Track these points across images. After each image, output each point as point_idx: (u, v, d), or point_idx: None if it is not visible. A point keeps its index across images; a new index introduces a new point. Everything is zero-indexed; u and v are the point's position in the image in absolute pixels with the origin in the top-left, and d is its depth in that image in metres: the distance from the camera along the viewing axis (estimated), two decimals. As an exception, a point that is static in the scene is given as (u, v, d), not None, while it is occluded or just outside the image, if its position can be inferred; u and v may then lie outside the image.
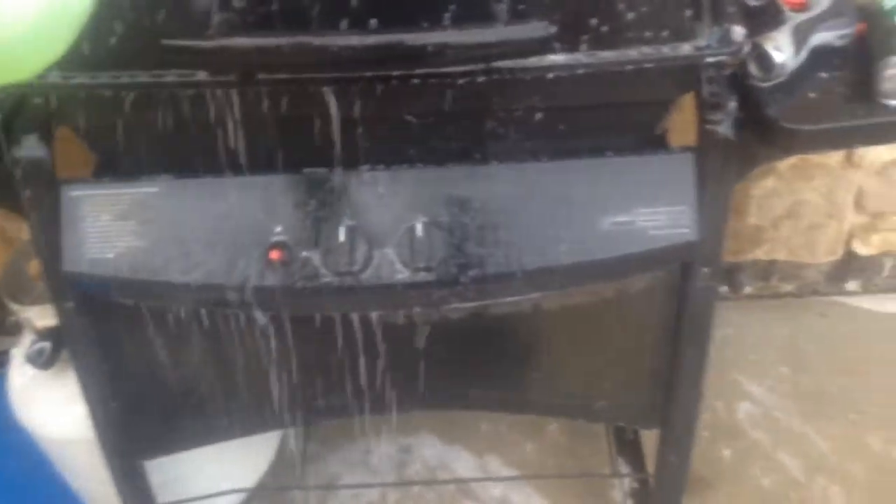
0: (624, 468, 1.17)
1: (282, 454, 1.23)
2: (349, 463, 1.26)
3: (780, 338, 1.43)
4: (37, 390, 1.00)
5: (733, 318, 1.45)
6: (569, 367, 0.91)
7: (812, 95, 0.71)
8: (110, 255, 0.74)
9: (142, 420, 0.89)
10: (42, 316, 0.93)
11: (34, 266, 1.00)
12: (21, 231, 1.34)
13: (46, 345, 0.92)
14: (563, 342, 0.89)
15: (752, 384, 1.35)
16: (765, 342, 1.42)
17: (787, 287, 1.52)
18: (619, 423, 1.10)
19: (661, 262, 0.78)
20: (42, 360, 0.92)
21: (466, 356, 0.88)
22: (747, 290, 1.52)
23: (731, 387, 1.34)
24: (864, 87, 0.69)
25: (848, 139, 0.74)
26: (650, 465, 1.12)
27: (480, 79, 0.64)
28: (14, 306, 0.96)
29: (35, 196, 0.73)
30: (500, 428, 1.30)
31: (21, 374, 1.00)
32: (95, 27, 0.61)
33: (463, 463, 1.26)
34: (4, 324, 1.44)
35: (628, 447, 1.18)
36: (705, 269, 0.78)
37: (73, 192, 0.74)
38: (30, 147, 0.71)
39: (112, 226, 0.74)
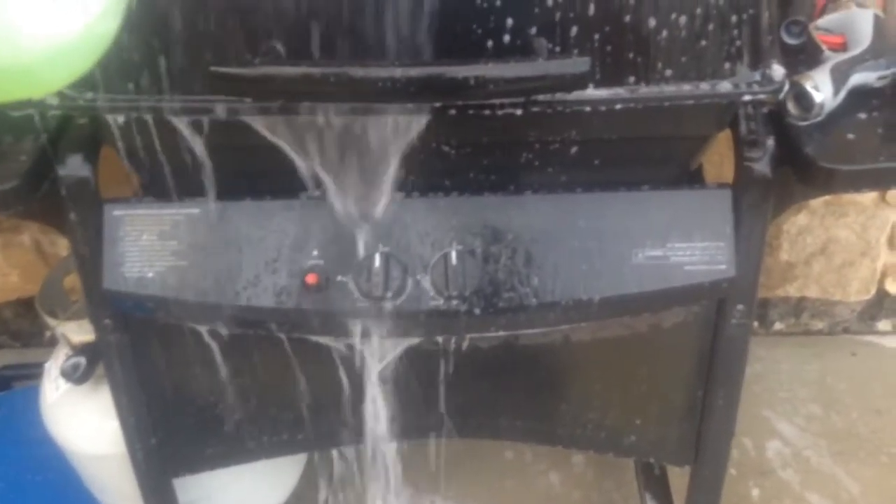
0: (651, 504, 1.16)
1: (307, 477, 1.23)
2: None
3: (811, 375, 1.42)
4: (70, 405, 1.01)
5: (763, 353, 1.44)
6: (599, 400, 0.90)
7: (850, 136, 0.70)
8: (150, 275, 0.75)
9: (174, 437, 0.90)
10: (78, 331, 0.95)
11: (70, 281, 1.02)
12: (56, 246, 1.37)
13: (81, 360, 0.93)
14: (594, 375, 0.89)
15: (781, 422, 1.34)
16: (795, 379, 1.41)
17: (818, 324, 1.50)
18: (649, 459, 1.09)
19: (697, 298, 0.78)
20: (77, 375, 0.93)
21: (496, 386, 0.88)
22: (777, 326, 1.51)
23: (760, 424, 1.33)
24: (903, 129, 0.69)
25: (886, 180, 0.74)
26: (677, 501, 1.10)
27: (520, 112, 0.65)
28: (50, 321, 0.98)
29: (78, 214, 0.75)
30: (525, 458, 1.29)
31: (55, 389, 1.02)
32: (141, 52, 0.63)
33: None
34: (41, 338, 1.47)
35: (655, 482, 1.17)
36: (740, 306, 0.77)
37: (116, 212, 0.75)
38: (74, 166, 0.73)
39: (153, 245, 0.75)
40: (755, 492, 1.24)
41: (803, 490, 1.25)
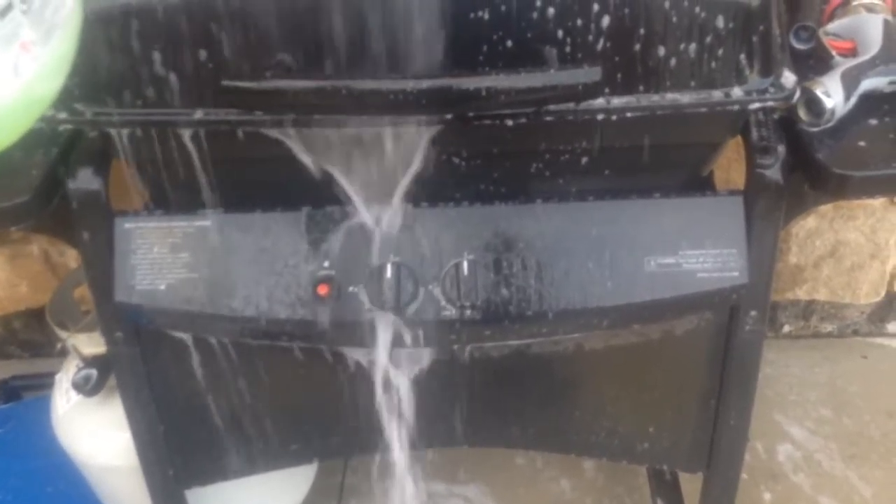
0: (663, 509, 1.15)
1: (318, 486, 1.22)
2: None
3: (821, 378, 1.41)
4: (81, 416, 1.01)
5: (772, 357, 1.43)
6: (612, 407, 0.90)
7: (861, 142, 0.70)
8: (161, 287, 0.75)
9: (186, 449, 0.90)
10: (89, 343, 0.95)
11: (81, 292, 1.02)
12: (65, 256, 1.37)
13: (93, 372, 0.93)
14: (606, 382, 0.89)
15: (792, 425, 1.33)
16: (805, 383, 1.40)
17: (828, 327, 1.50)
18: (662, 466, 1.09)
19: (709, 305, 0.77)
20: (88, 387, 0.93)
21: (508, 394, 0.88)
22: (786, 329, 1.50)
23: (771, 428, 1.32)
24: (915, 134, 0.69)
25: (899, 185, 0.74)
26: (689, 507, 1.10)
27: (531, 122, 0.65)
28: (61, 333, 0.98)
29: (89, 228, 0.75)
30: (536, 464, 1.29)
31: (66, 400, 1.02)
32: (150, 68, 0.63)
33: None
34: (50, 348, 1.47)
35: (667, 487, 1.16)
36: (753, 313, 0.77)
37: (126, 224, 0.75)
38: (85, 180, 0.73)
39: (164, 258, 0.75)
40: (767, 496, 1.24)
41: (815, 494, 1.24)
